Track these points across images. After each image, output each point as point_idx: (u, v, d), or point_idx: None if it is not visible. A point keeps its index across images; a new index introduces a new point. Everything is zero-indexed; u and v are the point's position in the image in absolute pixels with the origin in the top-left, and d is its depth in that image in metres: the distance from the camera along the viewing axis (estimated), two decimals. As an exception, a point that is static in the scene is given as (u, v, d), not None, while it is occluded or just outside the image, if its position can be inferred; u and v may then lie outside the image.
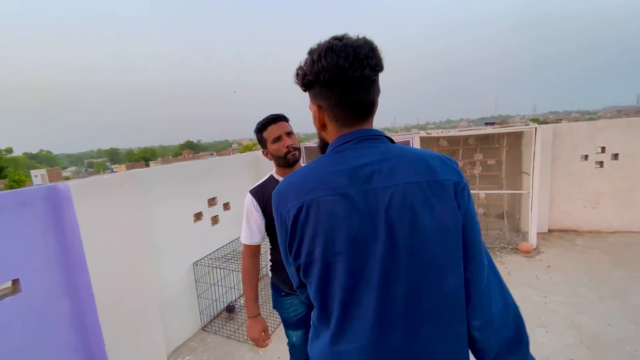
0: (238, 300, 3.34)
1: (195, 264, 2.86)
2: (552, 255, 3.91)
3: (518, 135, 4.61)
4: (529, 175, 4.16)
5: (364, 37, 0.72)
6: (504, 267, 3.72)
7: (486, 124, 4.78)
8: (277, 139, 1.46)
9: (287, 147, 1.45)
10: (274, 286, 1.63)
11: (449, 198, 0.69)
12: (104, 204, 2.09)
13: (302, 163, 1.63)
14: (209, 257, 2.99)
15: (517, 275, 3.49)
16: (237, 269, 2.93)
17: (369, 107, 0.76)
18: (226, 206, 3.34)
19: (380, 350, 0.69)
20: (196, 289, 2.87)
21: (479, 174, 4.76)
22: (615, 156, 4.29)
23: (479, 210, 4.38)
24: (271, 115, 1.51)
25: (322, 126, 0.80)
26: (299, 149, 1.49)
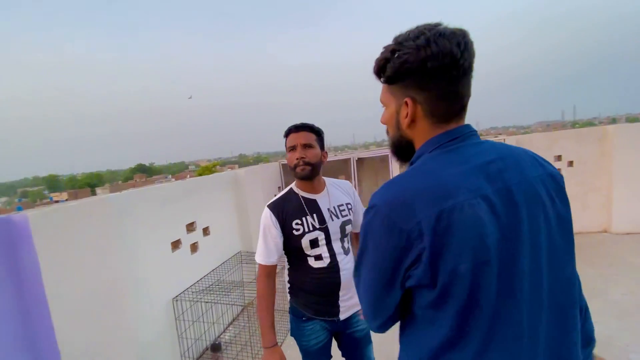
0: (223, 335, 3.02)
1: (175, 299, 2.54)
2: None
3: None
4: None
5: (460, 27, 0.64)
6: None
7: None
8: (292, 149, 1.38)
9: (296, 159, 1.35)
10: (293, 310, 1.49)
11: (563, 190, 0.69)
12: (71, 237, 1.78)
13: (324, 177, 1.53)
14: (190, 290, 2.68)
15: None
16: (220, 301, 2.65)
17: (467, 102, 0.69)
18: (206, 231, 3.06)
19: None
20: (177, 328, 2.53)
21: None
22: (571, 163, 4.68)
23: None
24: (298, 123, 1.41)
25: (410, 122, 0.70)
26: (311, 165, 1.36)
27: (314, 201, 1.42)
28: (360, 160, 4.52)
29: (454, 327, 0.62)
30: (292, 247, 1.40)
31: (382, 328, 0.73)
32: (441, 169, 0.64)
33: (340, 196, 1.48)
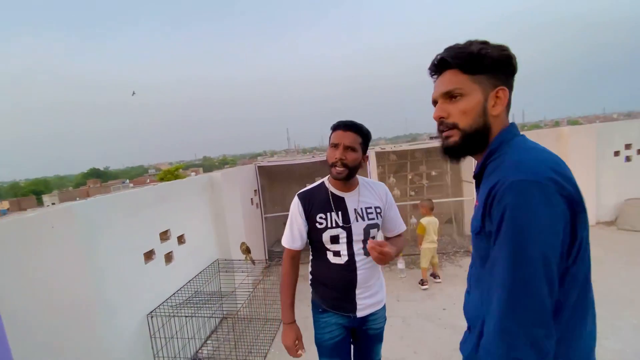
0: (202, 350, 2.82)
1: (150, 315, 2.33)
2: (498, 254, 4.30)
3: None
4: (471, 183, 4.57)
5: None
6: (463, 270, 3.94)
7: (431, 137, 5.16)
8: (334, 146, 1.35)
9: (336, 158, 1.33)
10: (313, 302, 1.55)
11: None
12: (29, 253, 1.55)
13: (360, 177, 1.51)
14: (166, 304, 2.48)
15: (477, 277, 3.72)
16: (198, 314, 2.48)
17: None
18: (180, 239, 2.85)
19: None
20: (152, 347, 2.32)
21: (427, 184, 5.07)
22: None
23: (412, 220, 4.59)
24: (348, 121, 1.37)
25: (500, 110, 0.80)
26: (348, 167, 1.33)
27: (342, 199, 1.41)
28: (338, 162, 4.49)
29: (580, 301, 0.70)
30: (314, 238, 1.43)
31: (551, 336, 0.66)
32: (546, 151, 0.75)
33: (370, 199, 1.45)
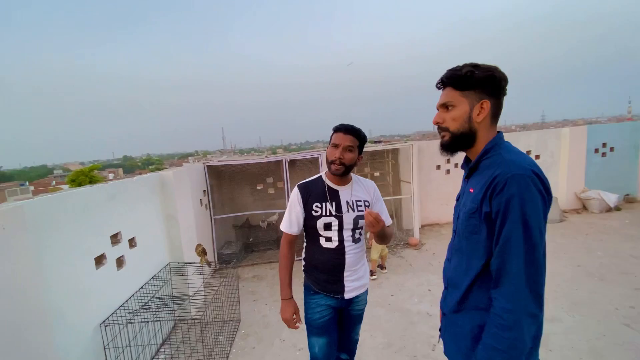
0: (157, 357, 2.67)
1: (104, 324, 2.14)
2: (432, 245, 4.85)
3: (396, 151, 5.56)
4: (408, 182, 5.07)
5: None
6: (405, 261, 4.37)
7: (376, 141, 5.56)
8: (335, 146, 1.52)
9: (335, 157, 1.50)
10: (305, 286, 1.68)
11: None
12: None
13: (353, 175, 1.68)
14: (120, 311, 2.30)
15: (417, 265, 4.16)
16: (155, 318, 2.36)
17: None
18: (132, 243, 2.66)
19: None
20: (106, 359, 2.14)
21: (370, 184, 5.46)
22: (456, 165, 5.75)
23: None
24: (349, 125, 1.53)
25: (482, 118, 1.01)
26: (345, 166, 1.51)
27: (336, 192, 1.58)
28: (292, 162, 4.59)
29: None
30: (309, 225, 1.58)
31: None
32: (523, 153, 0.99)
33: (361, 193, 1.62)
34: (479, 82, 0.99)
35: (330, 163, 1.53)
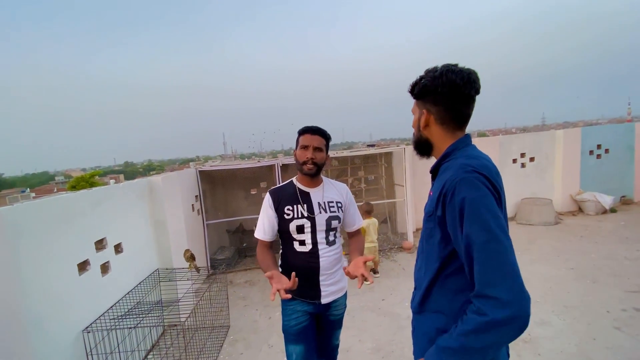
0: (142, 365, 2.65)
1: (87, 330, 2.13)
2: (426, 249, 4.83)
3: (389, 155, 5.56)
4: (402, 186, 5.06)
5: (471, 68, 0.96)
6: (398, 264, 4.35)
7: (368, 145, 5.57)
8: (304, 148, 1.53)
9: (307, 158, 1.51)
10: None
11: None
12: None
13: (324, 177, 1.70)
14: (104, 317, 2.29)
15: (410, 269, 4.13)
16: (140, 324, 2.34)
17: (468, 118, 1.00)
18: (117, 248, 2.65)
19: None
20: (88, 365, 2.13)
21: (365, 187, 5.46)
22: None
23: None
24: (314, 126, 1.55)
25: (425, 126, 1.01)
26: (318, 165, 1.53)
27: (308, 194, 1.58)
28: (284, 166, 4.59)
29: None
30: (282, 229, 1.57)
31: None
32: (483, 157, 0.95)
33: (333, 194, 1.62)
34: (422, 91, 0.99)
35: (302, 164, 1.54)
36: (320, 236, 1.55)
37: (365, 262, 1.33)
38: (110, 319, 2.30)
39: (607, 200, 5.73)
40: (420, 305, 1.02)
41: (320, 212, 1.55)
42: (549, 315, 2.84)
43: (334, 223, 1.58)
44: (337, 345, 1.78)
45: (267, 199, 1.60)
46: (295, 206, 1.55)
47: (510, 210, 5.92)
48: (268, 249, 1.59)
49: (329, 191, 1.62)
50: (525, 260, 4.06)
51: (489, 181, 0.87)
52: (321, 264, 1.54)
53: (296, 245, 1.56)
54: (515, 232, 5.24)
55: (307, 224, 1.53)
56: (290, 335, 1.58)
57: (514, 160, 5.98)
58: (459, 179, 0.86)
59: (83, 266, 2.25)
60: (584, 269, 3.71)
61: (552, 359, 2.34)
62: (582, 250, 4.25)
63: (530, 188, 6.01)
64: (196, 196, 4.41)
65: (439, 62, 0.99)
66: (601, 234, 4.83)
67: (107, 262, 2.50)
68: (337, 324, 1.71)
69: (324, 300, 1.57)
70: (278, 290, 1.25)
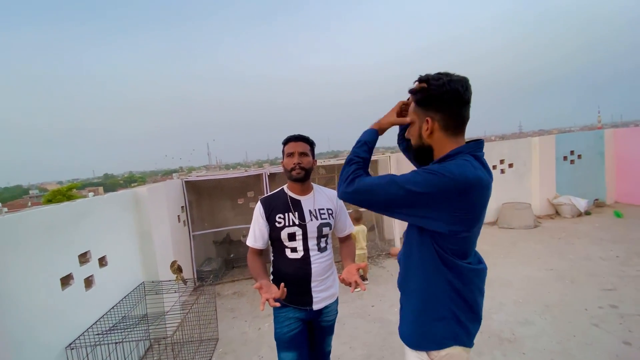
0: (127, 382, 2.56)
1: (70, 347, 2.06)
2: (413, 255, 4.90)
3: (375, 163, 5.67)
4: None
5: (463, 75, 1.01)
6: (386, 271, 4.40)
7: (354, 153, 5.65)
8: (290, 155, 1.58)
9: (294, 164, 1.54)
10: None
11: None
12: None
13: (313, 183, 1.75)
14: (89, 332, 2.22)
15: (397, 276, 4.18)
16: (125, 339, 2.28)
17: (466, 122, 1.05)
18: (102, 262, 2.59)
19: None
20: (71, 384, 2.05)
21: (351, 196, 5.52)
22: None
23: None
24: (297, 134, 1.59)
25: (430, 134, 1.04)
26: (305, 169, 1.56)
27: (299, 201, 1.60)
28: (272, 175, 4.60)
29: None
30: (274, 237, 1.59)
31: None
32: (478, 168, 0.98)
33: (323, 201, 1.65)
34: (427, 100, 1.02)
35: (290, 171, 1.57)
36: (312, 243, 1.58)
37: (358, 269, 1.35)
38: (95, 334, 2.23)
39: (581, 204, 6.00)
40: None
41: (312, 220, 1.58)
42: (531, 315, 2.94)
43: (325, 230, 1.61)
44: (329, 352, 1.79)
45: (258, 207, 1.62)
46: (286, 214, 1.57)
47: (491, 215, 6.11)
48: (258, 257, 1.61)
49: (320, 198, 1.66)
50: (508, 263, 4.19)
51: (459, 190, 0.93)
52: (313, 270, 1.56)
53: (288, 252, 1.58)
54: (497, 235, 5.41)
55: (299, 232, 1.56)
56: (283, 343, 1.59)
57: (494, 167, 6.20)
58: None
59: (66, 280, 2.19)
60: (562, 269, 3.87)
61: (537, 357, 2.42)
62: (560, 252, 4.43)
63: (510, 193, 6.23)
64: (182, 207, 4.35)
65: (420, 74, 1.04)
66: (577, 235, 5.04)
67: (91, 275, 2.43)
68: (329, 330, 1.72)
69: (316, 307, 1.58)
70: (267, 300, 1.26)
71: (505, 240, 5.11)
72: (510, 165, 6.29)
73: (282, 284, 1.33)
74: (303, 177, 1.58)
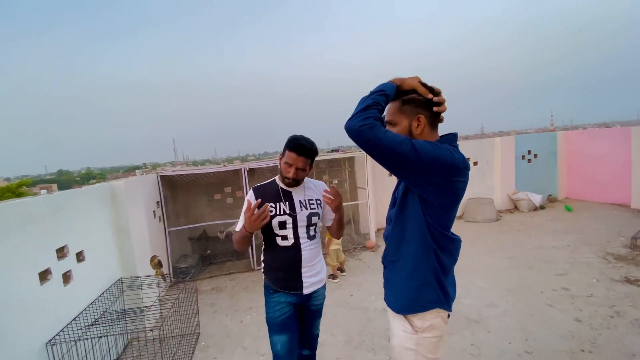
0: (108, 378, 2.51)
1: (50, 343, 2.00)
2: (387, 247, 5.13)
3: (352, 159, 5.83)
4: (364, 189, 5.34)
5: None
6: (363, 263, 4.58)
7: (333, 150, 5.78)
8: (288, 165, 1.61)
9: (288, 175, 1.62)
10: (265, 287, 1.74)
11: None
12: None
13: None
14: (68, 328, 2.16)
15: (374, 266, 4.38)
16: (107, 333, 2.24)
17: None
18: (79, 257, 2.51)
19: None
20: (52, 380, 1.99)
21: (328, 191, 5.65)
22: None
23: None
24: (306, 146, 1.58)
25: (421, 129, 1.19)
26: (297, 181, 1.63)
27: (289, 192, 1.68)
28: (251, 171, 4.61)
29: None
30: (266, 225, 1.61)
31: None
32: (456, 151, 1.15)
33: (313, 193, 1.73)
34: (416, 102, 1.18)
35: (283, 177, 1.65)
36: (302, 231, 1.66)
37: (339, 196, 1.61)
38: (77, 329, 2.17)
39: (537, 199, 6.56)
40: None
41: (302, 210, 1.66)
42: (495, 299, 3.23)
43: (314, 219, 1.70)
44: (318, 335, 1.90)
45: (251, 196, 1.68)
46: (277, 203, 1.65)
47: (458, 209, 6.49)
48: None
49: (310, 190, 1.74)
50: (473, 253, 4.52)
51: (455, 167, 1.11)
52: (303, 256, 1.65)
53: (279, 240, 1.65)
54: (463, 228, 5.78)
55: (289, 220, 1.64)
56: (275, 326, 1.66)
57: (461, 164, 6.61)
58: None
59: (44, 275, 2.12)
60: (521, 257, 4.24)
61: (500, 334, 2.68)
62: (519, 242, 4.84)
63: (474, 189, 6.66)
64: (157, 202, 4.25)
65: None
66: (533, 227, 5.52)
67: (69, 270, 2.36)
68: (318, 313, 1.83)
69: (305, 291, 1.67)
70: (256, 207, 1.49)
71: (471, 233, 5.48)
72: (475, 164, 6.72)
73: (259, 200, 1.54)
74: (294, 185, 1.67)
